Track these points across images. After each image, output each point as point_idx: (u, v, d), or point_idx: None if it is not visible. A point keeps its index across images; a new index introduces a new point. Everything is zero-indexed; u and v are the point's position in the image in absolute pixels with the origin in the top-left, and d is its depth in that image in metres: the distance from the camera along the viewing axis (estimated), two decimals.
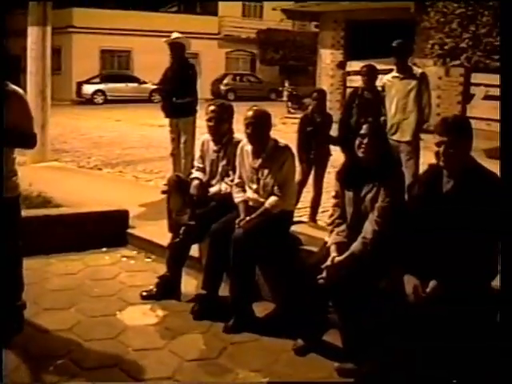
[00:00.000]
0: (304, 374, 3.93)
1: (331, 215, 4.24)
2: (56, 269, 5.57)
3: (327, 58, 21.15)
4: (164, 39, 8.35)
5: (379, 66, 7.53)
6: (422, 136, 7.00)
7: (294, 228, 5.20)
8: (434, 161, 3.56)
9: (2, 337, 3.89)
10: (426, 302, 3.41)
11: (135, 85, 32.01)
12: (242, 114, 4.85)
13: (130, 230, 6.35)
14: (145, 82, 30.88)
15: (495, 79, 14.77)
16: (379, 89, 7.23)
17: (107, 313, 4.69)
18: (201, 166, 5.28)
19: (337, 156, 6.64)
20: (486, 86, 15.67)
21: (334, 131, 6.99)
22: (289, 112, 23.37)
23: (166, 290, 4.98)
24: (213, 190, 5.10)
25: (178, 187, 5.17)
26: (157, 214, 6.21)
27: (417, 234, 3.53)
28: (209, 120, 5.09)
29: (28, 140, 4.13)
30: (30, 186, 6.87)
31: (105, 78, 32.17)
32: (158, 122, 13.25)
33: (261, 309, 4.77)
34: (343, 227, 4.12)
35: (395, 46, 6.92)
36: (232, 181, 5.00)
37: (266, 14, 37.56)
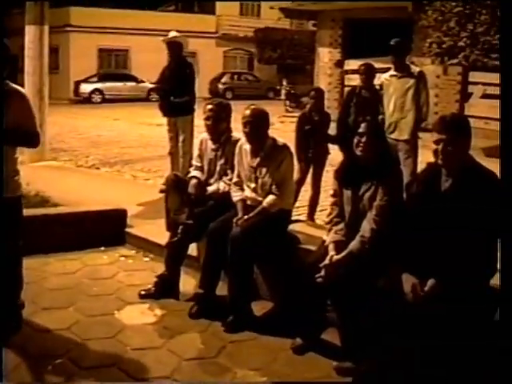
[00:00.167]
0: (302, 373, 3.93)
1: (329, 214, 4.25)
2: (54, 268, 5.56)
3: (325, 56, 21.14)
4: (162, 38, 8.34)
5: (377, 65, 7.53)
6: (420, 134, 7.01)
7: (292, 227, 5.20)
8: (432, 159, 3.56)
9: (0, 336, 3.89)
10: (424, 301, 3.41)
11: (133, 84, 31.99)
12: (239, 112, 4.84)
13: (128, 229, 6.35)
14: (143, 81, 30.83)
15: (493, 78, 14.81)
16: (377, 87, 7.24)
17: (105, 312, 4.69)
18: (199, 164, 5.27)
19: (335, 155, 6.65)
20: (484, 84, 15.68)
21: (332, 130, 6.99)
22: (287, 111, 23.36)
23: (165, 289, 4.98)
24: (211, 188, 5.10)
25: (176, 186, 5.16)
26: (155, 213, 6.21)
27: (415, 232, 3.53)
28: (207, 119, 5.09)
29: (31, 139, 4.12)
30: (28, 186, 6.84)
31: (102, 77, 32.15)
32: (155, 120, 13.25)
33: (259, 308, 4.77)
34: (341, 226, 4.12)
35: (393, 45, 6.93)
36: (230, 180, 5.00)
37: (264, 12, 37.59)
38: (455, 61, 13.53)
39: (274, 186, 4.67)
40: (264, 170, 4.71)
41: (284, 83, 29.57)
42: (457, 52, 13.26)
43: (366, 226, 3.95)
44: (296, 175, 6.19)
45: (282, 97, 27.13)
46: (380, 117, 6.91)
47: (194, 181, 5.13)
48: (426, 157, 3.64)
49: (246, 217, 4.62)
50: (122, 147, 13.74)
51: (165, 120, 8.31)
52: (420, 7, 14.70)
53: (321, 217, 6.45)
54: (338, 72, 20.66)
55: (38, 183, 7.29)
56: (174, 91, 7.97)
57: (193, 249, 5.27)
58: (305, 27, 35.48)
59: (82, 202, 6.87)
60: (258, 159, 4.74)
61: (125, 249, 6.14)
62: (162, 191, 6.42)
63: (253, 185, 4.78)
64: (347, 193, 4.10)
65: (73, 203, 6.86)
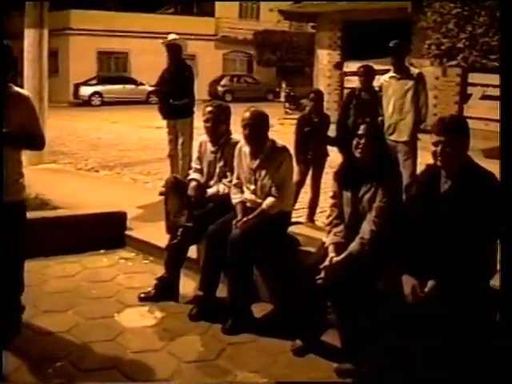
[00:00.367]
0: (303, 375, 3.93)
1: (329, 215, 4.25)
2: (54, 271, 5.57)
3: (324, 58, 21.16)
4: (161, 40, 8.35)
5: (376, 67, 7.53)
6: (420, 136, 7.02)
7: (291, 229, 5.20)
8: (431, 161, 3.57)
9: (0, 338, 3.89)
10: (424, 302, 3.41)
11: (132, 86, 32.01)
12: (239, 115, 4.84)
13: (127, 232, 6.35)
14: (142, 84, 30.86)
15: (492, 79, 14.82)
16: (376, 89, 7.24)
17: (105, 315, 4.69)
18: (198, 167, 5.27)
19: (334, 156, 6.65)
20: (483, 85, 15.70)
21: (331, 132, 6.99)
22: (286, 113, 23.37)
23: (164, 291, 4.98)
24: (210, 191, 5.10)
25: (175, 189, 5.17)
26: (155, 216, 6.20)
27: (415, 234, 3.54)
28: (206, 121, 5.09)
29: (37, 141, 4.13)
30: (28, 188, 6.85)
31: (102, 80, 32.17)
32: (155, 123, 13.25)
33: (259, 309, 4.77)
34: (341, 227, 4.13)
35: (392, 47, 6.93)
36: (230, 182, 5.00)
37: (263, 15, 37.60)
38: (454, 62, 13.54)
39: (273, 188, 4.67)
40: (263, 172, 4.71)
41: (283, 85, 29.60)
42: (456, 53, 13.27)
43: (366, 228, 3.95)
44: (295, 177, 6.18)
45: (282, 99, 27.17)
46: (379, 118, 6.91)
47: (193, 183, 5.13)
48: (425, 158, 3.65)
49: (245, 219, 4.62)
50: (121, 150, 13.75)
51: (164, 122, 8.32)
52: (419, 9, 14.71)
53: (320, 218, 6.44)
54: (337, 74, 20.67)
55: (37, 186, 7.28)
56: (174, 94, 7.97)
57: (192, 251, 5.27)
58: (304, 29, 35.48)
59: (81, 205, 6.88)
60: (257, 161, 4.74)
61: (125, 251, 6.14)
62: (161, 194, 6.41)
63: (252, 187, 4.78)
64: (347, 194, 4.10)
65: (72, 206, 6.87)
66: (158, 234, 5.67)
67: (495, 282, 3.56)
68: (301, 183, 6.74)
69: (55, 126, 13.95)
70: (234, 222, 4.64)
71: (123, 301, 4.97)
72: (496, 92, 15.16)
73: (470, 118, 14.97)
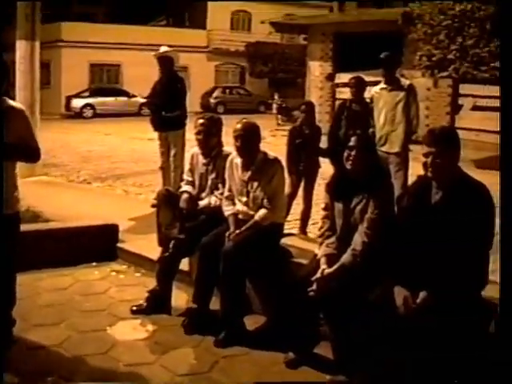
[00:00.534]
0: None
1: (321, 227, 4.25)
2: (46, 284, 5.54)
3: (316, 70, 21.25)
4: (153, 53, 8.36)
5: (367, 78, 7.57)
6: (411, 147, 7.04)
7: (284, 240, 5.19)
8: (422, 172, 3.58)
9: None
10: (416, 313, 3.41)
11: (124, 98, 32.01)
12: (231, 126, 4.85)
13: (119, 244, 6.33)
14: (134, 96, 30.85)
15: (483, 90, 14.95)
16: (367, 101, 7.27)
17: (97, 328, 4.66)
18: (190, 179, 5.27)
19: (326, 168, 6.66)
20: (474, 96, 15.81)
21: (323, 143, 7.01)
22: (278, 124, 23.44)
23: (157, 304, 4.96)
24: (202, 203, 5.09)
25: (167, 201, 5.16)
26: (147, 228, 6.19)
27: (406, 245, 3.54)
28: (197, 133, 5.10)
29: (33, 153, 4.13)
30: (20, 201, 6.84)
31: (94, 92, 32.17)
32: (147, 135, 13.25)
33: (252, 322, 4.75)
34: (333, 239, 4.13)
35: (383, 58, 6.97)
36: (221, 194, 5.00)
37: (255, 27, 37.72)
38: (445, 73, 13.64)
39: (265, 200, 4.67)
40: (255, 184, 4.71)
41: (275, 97, 29.65)
42: (447, 65, 13.37)
43: (358, 239, 3.96)
44: (287, 189, 6.19)
45: (274, 110, 27.22)
46: (370, 130, 6.94)
47: (185, 195, 5.12)
48: (416, 169, 3.66)
49: (238, 231, 4.62)
50: (113, 162, 13.74)
51: (156, 134, 8.32)
52: (409, 21, 14.81)
53: (313, 230, 6.44)
54: (329, 85, 20.76)
55: (29, 198, 7.24)
56: (165, 106, 7.98)
57: (185, 263, 5.26)
58: (295, 41, 35.64)
59: (73, 218, 6.86)
60: (249, 173, 4.74)
61: (117, 264, 6.11)
62: (153, 206, 6.41)
63: (244, 199, 4.78)
64: (338, 206, 4.11)
65: (64, 218, 6.85)
66: (149, 247, 5.65)
67: (487, 292, 3.58)
68: (293, 195, 6.75)
69: (47, 138, 13.89)
70: (226, 234, 4.64)
71: (115, 314, 4.95)
72: (487, 102, 15.28)
73: (462, 128, 15.06)
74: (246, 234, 4.59)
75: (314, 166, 6.82)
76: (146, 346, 4.45)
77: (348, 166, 3.99)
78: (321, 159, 6.91)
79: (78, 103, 31.26)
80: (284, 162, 5.37)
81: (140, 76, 26.41)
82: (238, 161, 4.81)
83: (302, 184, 6.82)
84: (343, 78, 17.69)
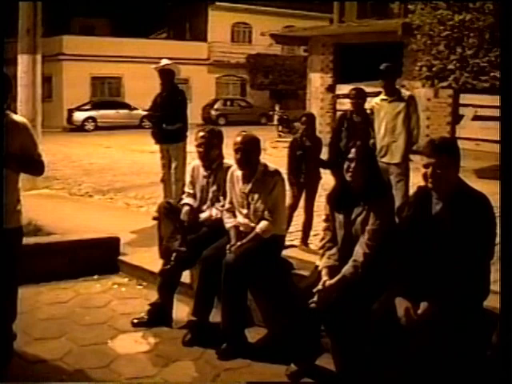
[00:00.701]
0: None
1: (322, 239, 4.25)
2: (47, 297, 5.53)
3: (317, 81, 21.29)
4: (154, 66, 8.39)
5: (368, 89, 7.60)
6: (412, 157, 7.04)
7: (285, 252, 5.19)
8: (423, 182, 3.58)
9: None
10: (417, 324, 3.40)
11: (126, 111, 32.12)
12: (232, 138, 4.84)
13: (121, 257, 6.32)
14: (135, 108, 30.96)
15: (483, 100, 14.96)
16: (368, 112, 7.28)
17: (98, 341, 4.65)
18: (191, 191, 5.27)
19: (327, 179, 6.66)
20: (475, 106, 15.82)
21: (324, 155, 7.02)
22: (279, 136, 23.45)
23: (158, 317, 4.95)
24: (203, 215, 5.10)
25: (168, 213, 5.16)
26: (148, 241, 6.19)
27: (407, 256, 3.54)
28: (198, 146, 5.11)
29: (37, 166, 4.14)
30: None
31: (95, 105, 32.28)
32: (148, 148, 13.29)
33: (253, 334, 4.74)
34: (334, 250, 4.12)
35: (383, 69, 6.99)
36: (222, 206, 5.00)
37: (255, 39, 37.86)
38: (445, 83, 13.65)
39: (266, 212, 4.67)
40: (256, 196, 4.71)
41: (276, 108, 29.77)
42: (447, 75, 13.38)
43: (359, 251, 3.95)
44: (288, 200, 6.20)
45: (275, 122, 27.27)
46: (371, 141, 6.95)
47: (186, 208, 5.12)
48: (418, 180, 3.66)
49: (239, 243, 4.62)
50: (114, 175, 13.75)
51: (158, 147, 8.33)
52: (409, 31, 14.85)
53: (314, 241, 6.44)
54: (329, 97, 20.79)
55: (30, 212, 7.21)
56: (166, 119, 8.00)
57: (186, 276, 5.26)
58: (296, 53, 35.77)
59: (75, 231, 6.86)
60: (249, 185, 4.74)
61: (118, 277, 6.11)
62: (155, 218, 6.41)
63: (245, 211, 4.78)
64: (339, 217, 4.11)
65: (66, 231, 6.85)
66: (151, 259, 5.65)
67: (488, 302, 3.57)
68: (294, 206, 6.75)
69: (49, 151, 13.88)
70: (227, 247, 4.63)
71: (116, 327, 4.94)
72: (487, 112, 15.29)
73: (462, 138, 15.07)
74: (247, 246, 4.58)
75: (315, 177, 6.83)
76: (147, 359, 4.43)
77: (348, 177, 3.99)
78: (322, 170, 6.92)
79: (79, 116, 31.36)
80: (285, 174, 5.38)
81: (141, 89, 26.50)
82: (239, 173, 4.81)
83: (303, 195, 6.82)
84: (344, 89, 17.71)
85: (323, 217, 4.32)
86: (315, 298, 3.91)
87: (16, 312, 4.27)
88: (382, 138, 6.98)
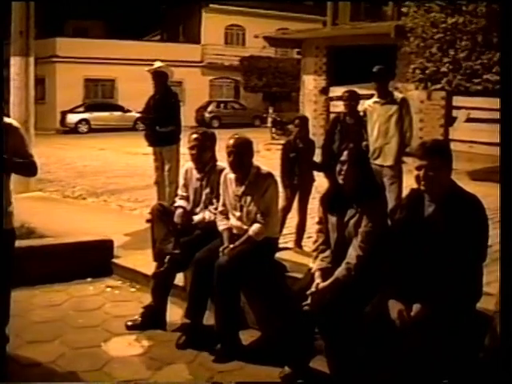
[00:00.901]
0: None
1: (315, 241, 4.25)
2: (40, 300, 5.51)
3: (310, 83, 21.30)
4: (147, 68, 8.39)
5: (361, 91, 7.60)
6: (405, 159, 7.05)
7: (279, 254, 5.19)
8: (416, 185, 3.59)
9: None
10: (411, 326, 3.41)
11: (119, 113, 32.10)
12: (226, 141, 4.85)
13: (114, 260, 6.32)
14: (129, 111, 30.95)
15: (476, 102, 15.01)
16: (361, 114, 7.29)
17: (92, 344, 4.64)
18: (184, 194, 5.27)
19: (321, 181, 6.67)
20: (468, 108, 15.86)
21: (317, 157, 7.02)
22: (273, 138, 23.48)
23: (151, 319, 4.95)
24: (197, 218, 5.10)
25: (161, 216, 5.15)
26: (142, 243, 6.18)
27: (400, 258, 3.55)
28: (191, 148, 5.11)
29: (31, 167, 4.15)
30: (14, 217, 6.81)
31: (89, 107, 32.26)
32: (142, 150, 13.27)
33: (247, 336, 4.74)
34: (327, 253, 4.13)
35: (375, 72, 7.00)
36: (216, 209, 5.00)
37: (249, 41, 37.90)
38: (438, 86, 13.69)
39: (259, 215, 4.67)
40: (249, 199, 4.72)
41: (270, 111, 29.75)
42: (440, 77, 13.42)
43: (352, 253, 3.96)
44: (282, 202, 6.20)
45: (269, 124, 27.28)
46: (364, 143, 6.97)
47: (179, 210, 5.13)
48: (411, 182, 3.67)
49: (232, 246, 4.62)
50: (108, 177, 13.73)
51: (151, 149, 8.33)
52: (402, 34, 14.90)
53: (308, 244, 6.42)
54: (323, 99, 20.80)
55: (23, 214, 7.19)
56: (160, 121, 8.00)
57: (180, 279, 5.25)
58: (289, 55, 35.86)
59: (68, 233, 6.83)
60: (242, 188, 4.75)
61: (111, 279, 6.10)
62: (148, 221, 6.40)
63: (238, 213, 4.78)
64: (332, 220, 4.11)
65: (59, 234, 6.83)
66: (145, 262, 5.65)
67: (481, 304, 3.58)
68: (287, 208, 6.75)
69: (42, 153, 13.87)
70: (220, 249, 4.64)
71: (110, 329, 4.93)
72: (480, 114, 15.35)
73: (456, 140, 15.11)
74: (240, 248, 4.59)
75: (309, 179, 6.83)
76: (141, 362, 4.43)
77: (340, 180, 4.00)
78: (315, 173, 6.92)
79: (73, 118, 31.33)
80: (278, 176, 5.38)
81: (135, 91, 26.45)
82: (232, 176, 4.81)
83: (297, 198, 6.82)
84: (337, 91, 17.71)
85: (316, 219, 4.32)
86: (308, 301, 3.91)
87: (9, 315, 4.25)
88: (375, 140, 7.00)
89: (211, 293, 4.59)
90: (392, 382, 3.50)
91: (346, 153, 4.01)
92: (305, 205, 6.84)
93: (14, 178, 4.18)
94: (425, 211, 3.55)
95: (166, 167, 8.03)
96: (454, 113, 16.51)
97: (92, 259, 6.18)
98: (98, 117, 31.34)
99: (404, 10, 14.41)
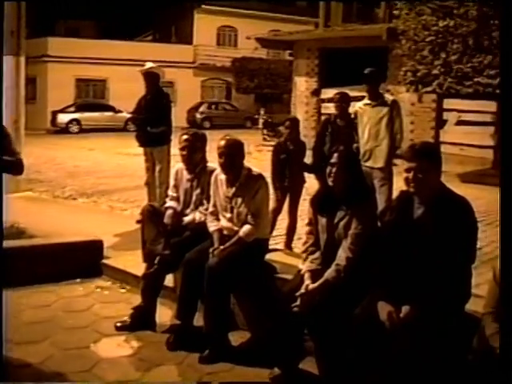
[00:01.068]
0: None
1: (305, 242, 4.26)
2: (29, 301, 5.49)
3: (302, 85, 21.34)
4: (138, 68, 8.38)
5: (352, 93, 7.62)
6: (396, 161, 7.07)
7: (269, 256, 5.19)
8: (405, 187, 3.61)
9: None
10: (400, 328, 3.42)
11: (110, 114, 32.01)
12: (217, 142, 4.84)
13: (104, 261, 6.30)
14: (120, 111, 30.87)
15: (467, 105, 15.08)
16: (352, 116, 7.31)
17: (81, 345, 4.63)
18: (174, 195, 5.27)
19: (312, 183, 6.68)
20: (459, 111, 15.92)
21: (308, 158, 7.03)
22: (264, 139, 23.49)
23: (141, 320, 4.94)
24: (187, 219, 5.09)
25: (151, 217, 5.14)
26: (132, 244, 6.17)
27: (389, 259, 3.56)
28: (182, 149, 5.11)
29: (17, 165, 4.14)
30: (4, 217, 6.79)
31: (80, 107, 32.15)
32: (133, 150, 13.24)
33: (236, 337, 4.74)
34: (317, 254, 4.13)
35: (366, 74, 7.03)
36: (206, 210, 5.00)
37: (241, 42, 37.94)
38: (429, 88, 13.75)
39: (249, 216, 4.67)
40: (240, 200, 4.71)
41: (261, 112, 29.76)
42: (431, 80, 13.48)
43: (342, 255, 3.96)
44: (272, 204, 6.20)
45: (260, 126, 27.29)
46: (355, 145, 6.99)
47: (169, 211, 5.12)
48: (401, 184, 3.68)
49: (222, 247, 4.62)
50: (98, 177, 13.69)
51: (142, 150, 8.31)
52: (394, 36, 14.95)
53: (298, 245, 6.43)
54: (314, 101, 20.85)
55: (13, 214, 7.22)
56: (151, 121, 7.99)
57: (169, 279, 5.25)
58: (281, 57, 35.88)
59: (58, 233, 6.81)
60: (233, 189, 4.75)
61: (101, 280, 6.08)
62: (138, 222, 6.39)
63: (228, 215, 4.78)
64: (322, 221, 4.12)
65: (49, 234, 6.80)
66: (134, 263, 5.64)
67: (470, 306, 3.59)
68: (278, 210, 6.74)
69: (32, 153, 13.88)
70: (211, 250, 4.64)
71: (99, 330, 4.91)
72: (471, 117, 15.41)
73: (446, 143, 15.17)
74: (230, 249, 4.59)
75: (299, 181, 6.83)
76: (130, 363, 4.42)
77: (330, 182, 4.01)
78: (306, 174, 6.93)
79: (63, 118, 31.21)
80: (269, 178, 5.38)
81: (126, 91, 26.37)
82: (222, 177, 4.81)
83: (287, 199, 6.83)
84: (329, 93, 17.76)
85: (307, 220, 4.33)
86: (298, 302, 3.92)
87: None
88: (366, 142, 7.02)
89: (201, 294, 4.58)
90: (381, 382, 3.50)
91: (335, 155, 4.02)
92: (295, 206, 6.84)
93: (4, 177, 4.17)
94: (414, 213, 3.56)
95: (157, 168, 8.02)
96: (445, 115, 16.58)
97: (82, 260, 6.16)
98: (88, 117, 31.25)
99: (396, 12, 14.47)
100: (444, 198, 3.48)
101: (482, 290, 3.51)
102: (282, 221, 6.95)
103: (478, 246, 3.53)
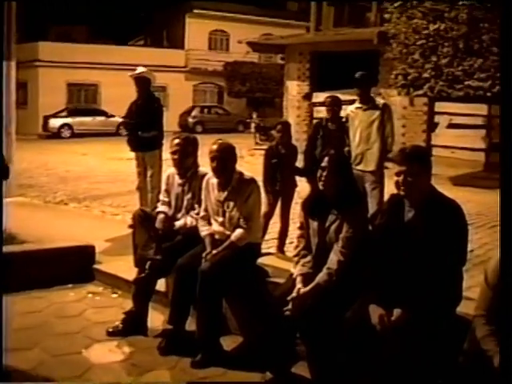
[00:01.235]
0: None
1: (296, 246, 4.26)
2: (20, 307, 5.44)
3: (293, 89, 21.38)
4: (129, 73, 8.37)
5: (344, 97, 7.65)
6: (388, 165, 7.09)
7: (261, 260, 5.19)
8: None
9: None
10: (391, 331, 3.42)
11: (102, 118, 31.98)
12: (209, 146, 4.84)
13: (96, 266, 6.28)
14: (112, 116, 30.81)
15: (458, 108, 15.14)
16: (343, 120, 7.33)
17: (72, 351, 4.60)
18: (166, 199, 5.26)
19: (303, 187, 6.68)
20: (450, 114, 15.99)
21: (299, 162, 7.04)
22: (256, 143, 23.51)
23: (133, 325, 4.92)
24: (178, 223, 5.08)
25: (143, 222, 5.14)
26: (123, 249, 6.14)
27: (380, 263, 3.56)
28: (173, 153, 5.10)
29: (6, 171, 4.13)
30: None
31: (72, 112, 32.10)
32: (125, 155, 13.22)
33: (229, 342, 4.73)
34: (309, 258, 4.13)
35: (358, 78, 7.06)
36: (197, 214, 4.99)
37: (233, 46, 37.95)
38: (421, 92, 13.81)
39: (241, 220, 4.67)
40: (231, 204, 4.71)
41: (253, 116, 29.78)
42: (422, 83, 13.54)
43: (333, 258, 3.96)
44: (264, 208, 6.20)
45: (252, 130, 27.31)
46: (346, 148, 7.00)
47: (161, 216, 5.11)
48: (392, 187, 3.69)
49: (214, 251, 4.61)
50: (90, 182, 13.66)
51: (134, 155, 8.30)
52: (385, 40, 15.00)
53: (290, 249, 6.41)
54: (306, 104, 20.89)
55: (4, 220, 7.18)
56: (142, 126, 7.98)
57: (161, 284, 5.23)
58: (273, 61, 35.95)
59: (49, 239, 6.78)
60: (225, 193, 4.74)
61: (93, 285, 6.06)
62: (130, 226, 6.37)
63: (220, 219, 4.78)
64: (313, 225, 4.12)
65: (40, 240, 6.77)
66: (126, 268, 5.61)
67: (461, 309, 3.60)
68: (269, 214, 6.75)
69: (23, 158, 13.83)
70: (203, 255, 4.62)
71: (91, 336, 4.89)
72: (462, 120, 15.48)
73: (438, 146, 15.22)
74: (223, 254, 4.58)
75: (291, 185, 6.84)
76: (122, 368, 4.40)
77: (320, 186, 4.01)
78: (297, 178, 6.94)
79: (55, 123, 31.16)
80: (261, 182, 5.38)
81: (118, 96, 26.27)
82: (214, 181, 4.81)
83: (279, 203, 6.83)
84: (320, 97, 17.75)
85: (298, 224, 4.33)
86: (290, 306, 3.91)
87: None
88: (357, 145, 7.04)
89: (194, 299, 4.57)
90: None
91: (326, 159, 4.02)
92: (287, 210, 6.85)
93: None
94: (405, 216, 3.57)
95: (149, 173, 8.01)
96: (436, 118, 16.65)
97: (73, 265, 6.14)
98: (80, 122, 31.21)
99: (387, 16, 14.52)
100: (434, 201, 3.49)
101: (474, 293, 3.52)
102: (274, 224, 6.96)
103: (469, 248, 3.54)
